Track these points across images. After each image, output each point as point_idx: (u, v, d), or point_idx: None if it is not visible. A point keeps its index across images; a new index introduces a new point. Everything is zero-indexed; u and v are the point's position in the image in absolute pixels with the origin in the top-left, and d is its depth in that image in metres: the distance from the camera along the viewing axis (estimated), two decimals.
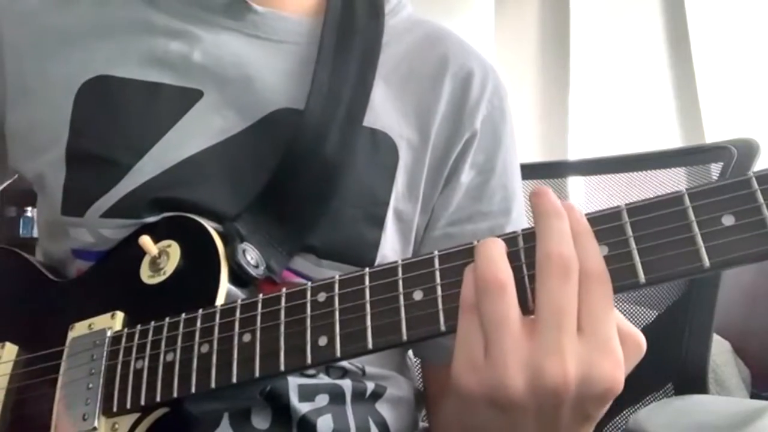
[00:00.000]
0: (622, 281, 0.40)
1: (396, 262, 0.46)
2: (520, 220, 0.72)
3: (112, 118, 0.63)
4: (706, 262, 0.38)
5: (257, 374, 0.48)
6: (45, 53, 0.66)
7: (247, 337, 0.49)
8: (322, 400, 0.61)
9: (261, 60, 0.66)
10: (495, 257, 0.42)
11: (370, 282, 0.46)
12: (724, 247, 0.38)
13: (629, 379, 0.43)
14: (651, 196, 0.41)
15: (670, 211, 0.40)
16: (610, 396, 0.41)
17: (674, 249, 0.39)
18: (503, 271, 0.42)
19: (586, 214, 0.42)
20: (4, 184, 0.80)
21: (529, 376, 0.40)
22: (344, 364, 0.63)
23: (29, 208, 3.58)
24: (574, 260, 0.41)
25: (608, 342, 0.40)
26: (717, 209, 0.39)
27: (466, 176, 0.69)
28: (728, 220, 0.38)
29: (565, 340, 0.40)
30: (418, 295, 0.45)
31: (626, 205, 0.41)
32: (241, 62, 0.65)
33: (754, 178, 0.38)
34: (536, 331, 0.40)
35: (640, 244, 0.40)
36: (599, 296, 0.40)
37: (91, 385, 0.53)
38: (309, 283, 0.49)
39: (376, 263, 0.63)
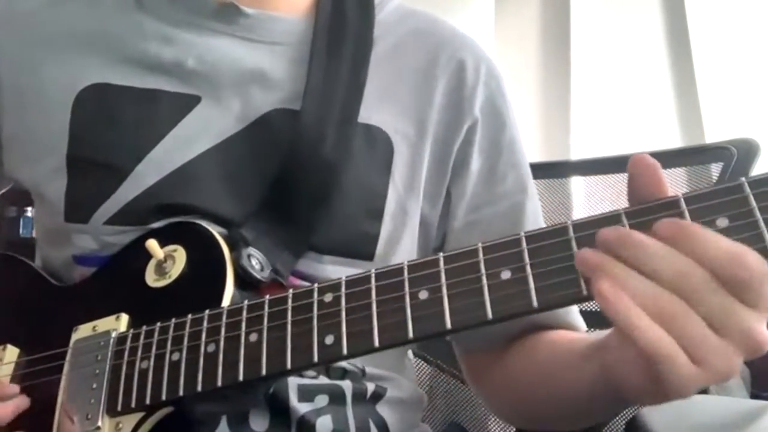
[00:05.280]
0: None
1: (402, 263, 0.47)
2: (535, 194, 0.72)
3: (112, 125, 0.63)
4: None
5: (264, 372, 0.48)
6: (40, 59, 0.66)
7: (253, 337, 0.49)
8: (322, 400, 0.61)
9: (254, 62, 0.66)
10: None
11: (376, 282, 0.47)
12: None
13: None
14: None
15: (667, 213, 0.41)
16: None
17: None
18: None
19: (585, 218, 0.43)
20: (1, 192, 0.80)
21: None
22: (344, 364, 0.63)
23: (29, 208, 3.57)
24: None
25: None
26: (712, 212, 0.40)
27: (476, 163, 0.70)
28: (722, 222, 0.40)
29: None
30: (423, 295, 0.45)
31: (624, 209, 0.42)
32: (235, 65, 0.66)
33: (746, 183, 0.40)
34: None
35: None
36: None
37: (95, 386, 0.53)
38: (316, 284, 0.49)
39: (376, 255, 0.64)
